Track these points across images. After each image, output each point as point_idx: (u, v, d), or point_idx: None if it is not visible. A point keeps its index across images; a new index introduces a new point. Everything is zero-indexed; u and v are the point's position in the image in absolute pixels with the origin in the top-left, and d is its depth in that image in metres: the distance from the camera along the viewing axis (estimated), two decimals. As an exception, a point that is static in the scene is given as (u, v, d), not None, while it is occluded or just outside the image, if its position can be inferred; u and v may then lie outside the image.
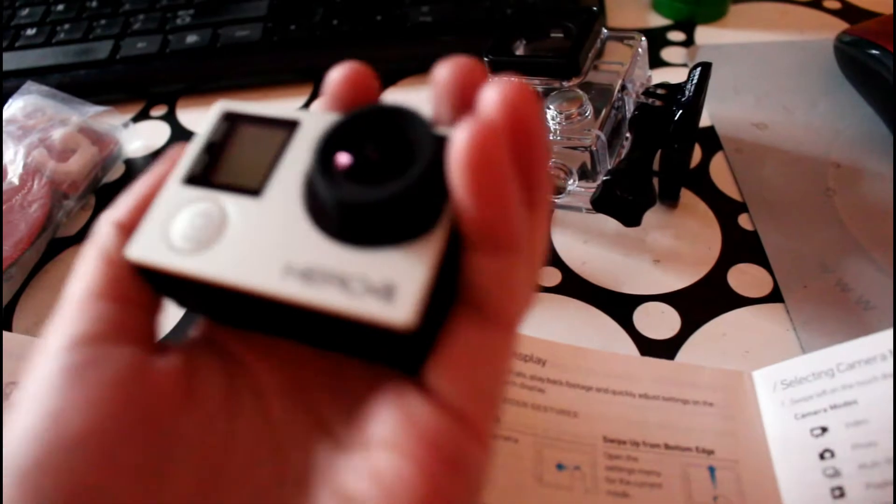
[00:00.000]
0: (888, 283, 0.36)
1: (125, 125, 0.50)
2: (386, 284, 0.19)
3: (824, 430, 0.30)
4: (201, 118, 0.53)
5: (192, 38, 0.55)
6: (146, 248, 0.21)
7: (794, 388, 0.32)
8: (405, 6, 0.54)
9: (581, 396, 0.32)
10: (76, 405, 0.19)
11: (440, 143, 0.19)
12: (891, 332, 0.30)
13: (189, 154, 0.23)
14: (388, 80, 0.54)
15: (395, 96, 0.52)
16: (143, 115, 0.54)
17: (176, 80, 0.55)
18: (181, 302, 0.23)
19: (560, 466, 0.31)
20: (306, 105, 0.53)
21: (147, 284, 0.22)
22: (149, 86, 0.55)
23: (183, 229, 0.21)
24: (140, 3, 0.59)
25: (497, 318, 0.20)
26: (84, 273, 0.22)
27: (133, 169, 0.50)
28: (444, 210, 0.19)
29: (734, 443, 0.31)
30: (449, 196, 0.19)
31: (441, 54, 0.56)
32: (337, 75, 0.22)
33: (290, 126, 0.23)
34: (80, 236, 0.45)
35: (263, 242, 0.21)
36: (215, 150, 0.23)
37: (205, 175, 0.22)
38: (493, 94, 0.19)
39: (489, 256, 0.19)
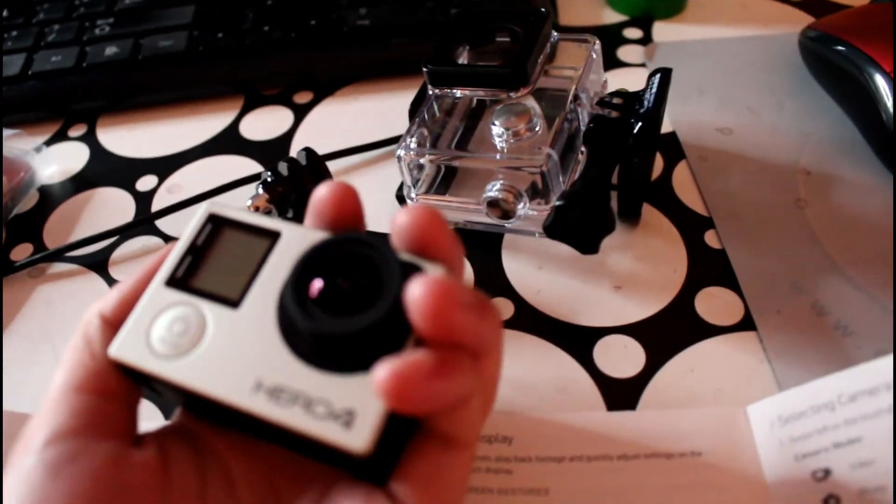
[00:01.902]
0: (867, 303, 0.33)
1: (37, 149, 0.46)
2: (347, 410, 0.21)
3: (827, 472, 0.26)
4: (125, 138, 0.49)
5: (111, 50, 0.50)
6: (128, 349, 0.23)
7: (792, 424, 0.28)
8: (341, 9, 0.50)
9: (552, 470, 0.29)
10: (55, 500, 0.20)
11: (406, 275, 0.21)
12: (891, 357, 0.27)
13: (173, 256, 0.24)
14: (326, 90, 0.50)
15: (333, 108, 0.48)
16: (59, 137, 0.50)
17: (95, 96, 0.50)
18: (160, 395, 0.25)
19: None
20: (237, 120, 0.48)
21: (128, 379, 0.24)
22: (65, 103, 0.50)
23: (162, 332, 0.23)
24: (55, 12, 0.54)
25: (458, 440, 0.22)
26: (68, 364, 0.23)
27: (48, 197, 0.46)
28: (408, 340, 0.21)
29: (727, 495, 0.28)
30: (411, 328, 0.21)
31: (381, 60, 0.53)
32: (322, 194, 0.24)
33: (271, 236, 0.24)
34: (-11, 275, 0.41)
35: (237, 356, 0.22)
36: (198, 254, 0.24)
37: (186, 279, 0.24)
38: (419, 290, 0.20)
39: None
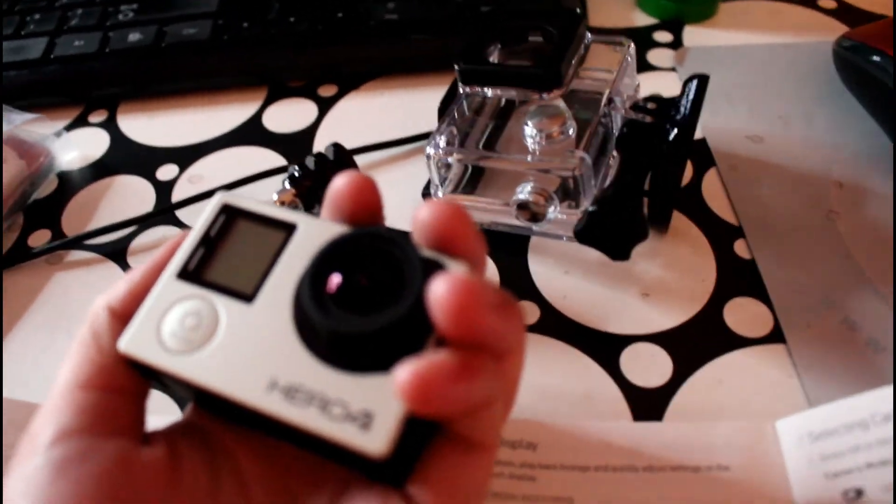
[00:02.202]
0: (899, 320, 0.33)
1: (58, 134, 0.46)
2: (365, 412, 0.20)
3: (859, 493, 0.26)
4: (146, 126, 0.48)
5: (134, 37, 0.49)
6: (138, 343, 0.22)
7: (823, 441, 0.28)
8: (368, 3, 0.49)
9: (577, 479, 0.29)
10: (62, 500, 0.20)
11: (428, 272, 0.20)
12: None
13: (185, 247, 0.23)
14: (351, 84, 0.49)
15: (357, 102, 0.48)
16: (79, 122, 0.49)
17: (116, 82, 0.50)
18: (170, 391, 0.25)
19: None
20: (261, 111, 0.48)
21: (137, 374, 0.23)
22: (86, 89, 0.50)
23: (174, 327, 0.22)
24: (78, -4, 0.53)
25: (479, 442, 0.22)
26: (75, 359, 0.23)
27: (68, 183, 0.45)
28: (429, 340, 0.20)
29: None
30: (433, 327, 0.20)
31: (407, 56, 0.52)
32: (340, 185, 0.22)
33: (287, 229, 0.23)
34: (5, 262, 0.40)
35: (251, 353, 0.21)
36: (211, 245, 0.23)
37: (199, 271, 0.23)
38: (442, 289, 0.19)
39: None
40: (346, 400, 0.20)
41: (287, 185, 0.33)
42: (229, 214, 0.24)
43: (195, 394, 0.24)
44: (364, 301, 0.20)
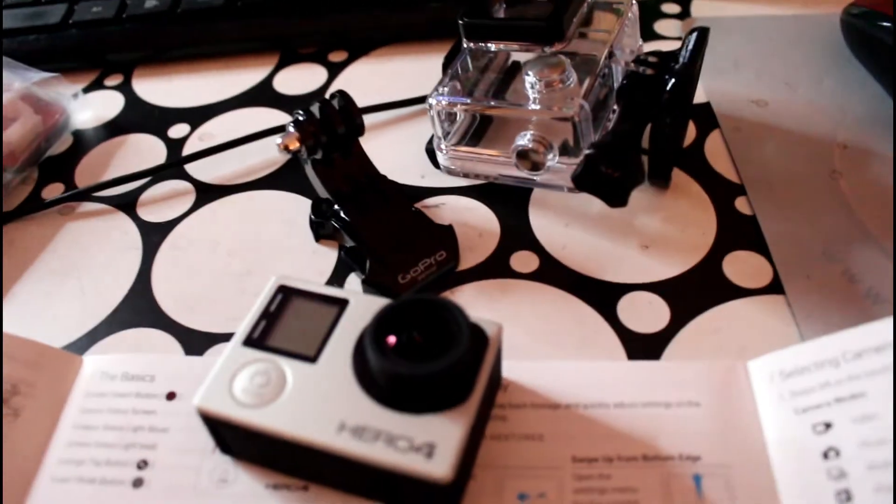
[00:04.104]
0: (900, 273, 0.33)
1: (75, 95, 0.47)
2: (427, 444, 0.23)
3: (828, 426, 0.26)
4: (160, 89, 0.49)
5: (151, 3, 0.50)
6: (212, 399, 0.25)
7: (793, 379, 0.28)
8: (380, -30, 0.50)
9: (547, 416, 0.29)
10: None
11: (473, 330, 0.25)
12: None
13: (248, 319, 0.27)
14: (361, 50, 0.50)
15: (367, 67, 0.49)
16: (96, 85, 0.50)
17: (133, 47, 0.51)
18: (235, 449, 0.27)
19: (522, 496, 0.27)
20: (272, 75, 0.49)
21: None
22: (103, 53, 0.51)
23: (245, 384, 0.25)
24: (97, -36, 0.55)
25: None
26: None
27: (82, 141, 0.46)
28: (476, 385, 0.25)
29: (724, 445, 0.27)
30: (480, 373, 0.25)
31: (417, 23, 0.52)
32: None
33: (340, 303, 0.28)
34: (19, 212, 0.41)
35: (319, 403, 0.25)
36: (272, 319, 0.27)
37: (263, 339, 0.27)
38: None
39: None
40: (409, 435, 0.23)
41: (291, 129, 0.34)
42: (285, 293, 0.28)
43: (264, 452, 0.27)
44: (418, 354, 0.24)
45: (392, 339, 0.25)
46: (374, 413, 0.24)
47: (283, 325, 0.27)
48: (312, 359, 0.26)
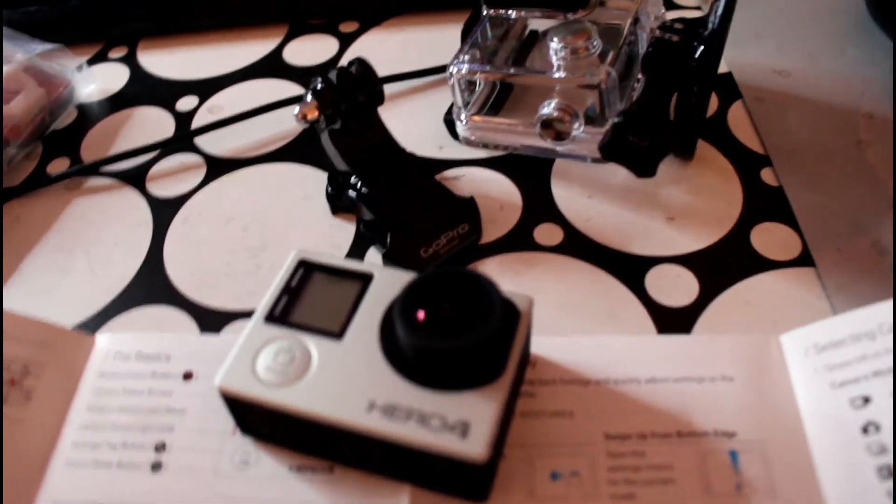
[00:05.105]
0: (932, 245, 0.32)
1: (79, 68, 0.45)
2: (461, 422, 0.22)
3: (867, 400, 0.25)
4: (166, 61, 0.48)
5: (155, -27, 0.49)
6: (235, 379, 0.24)
7: (829, 352, 0.27)
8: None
9: (578, 393, 0.28)
10: None
11: (505, 304, 0.24)
12: None
13: (269, 295, 0.26)
14: (372, 20, 0.49)
15: (379, 37, 0.47)
16: (100, 58, 0.49)
17: (137, 18, 0.49)
18: (257, 431, 0.26)
19: (554, 475, 0.26)
20: (281, 46, 0.48)
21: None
22: (108, 25, 0.50)
23: (269, 363, 0.25)
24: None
25: None
26: None
27: (87, 115, 0.45)
28: (509, 361, 0.24)
29: (759, 421, 0.27)
30: (512, 348, 0.24)
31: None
32: None
33: (364, 278, 0.27)
34: (24, 187, 0.40)
35: (347, 381, 0.24)
36: (294, 294, 0.26)
37: (285, 315, 0.26)
38: None
39: None
40: (441, 413, 0.22)
41: (309, 98, 0.33)
42: (307, 268, 0.27)
43: (287, 432, 0.26)
44: (449, 328, 0.23)
45: (421, 314, 0.23)
46: (404, 391, 0.23)
47: (306, 300, 0.26)
48: (338, 335, 0.25)
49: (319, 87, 0.33)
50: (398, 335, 0.24)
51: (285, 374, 0.24)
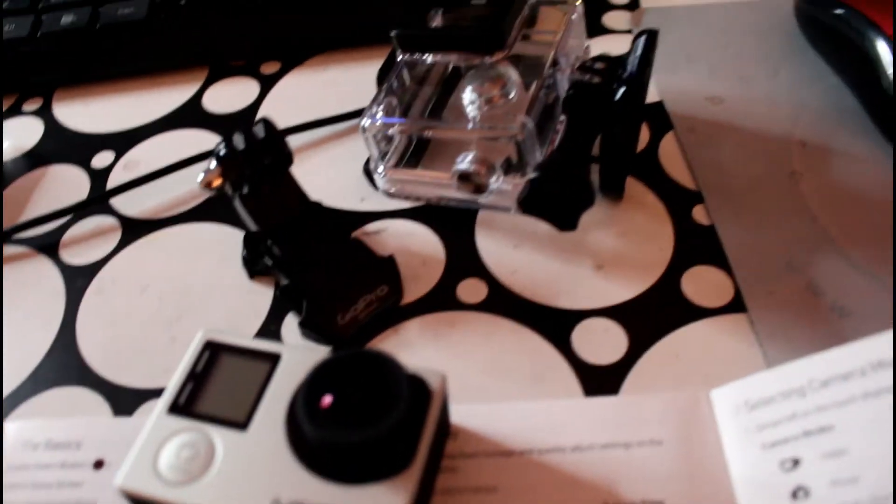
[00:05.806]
0: (866, 282, 0.31)
1: (-10, 124, 0.43)
2: None
3: (796, 462, 0.24)
4: (82, 112, 0.46)
5: (67, 19, 0.47)
6: (136, 478, 0.23)
7: (759, 410, 0.26)
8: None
9: (501, 465, 0.27)
10: None
11: (414, 386, 0.23)
12: (870, 340, 0.24)
13: (173, 383, 0.25)
14: (294, 60, 0.47)
15: (301, 78, 0.46)
16: (13, 111, 0.47)
17: (50, 68, 0.47)
18: None
19: None
20: (201, 92, 0.46)
21: None
22: (19, 75, 0.48)
23: (171, 460, 0.23)
24: (9, -22, 0.51)
25: None
26: None
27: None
28: (419, 447, 0.23)
29: (689, 487, 0.26)
30: (423, 433, 0.23)
31: (354, 27, 0.49)
32: None
33: (271, 359, 0.25)
34: (-68, 258, 0.38)
35: (251, 476, 0.23)
36: (199, 380, 0.25)
37: (190, 405, 0.25)
38: None
39: None
40: None
41: (213, 165, 0.31)
42: (213, 350, 0.26)
43: None
44: (356, 416, 0.22)
45: (326, 401, 0.22)
46: (309, 486, 0.22)
47: (212, 387, 0.25)
48: (243, 425, 0.24)
49: (223, 152, 0.31)
50: (301, 426, 0.23)
51: (188, 471, 0.23)
